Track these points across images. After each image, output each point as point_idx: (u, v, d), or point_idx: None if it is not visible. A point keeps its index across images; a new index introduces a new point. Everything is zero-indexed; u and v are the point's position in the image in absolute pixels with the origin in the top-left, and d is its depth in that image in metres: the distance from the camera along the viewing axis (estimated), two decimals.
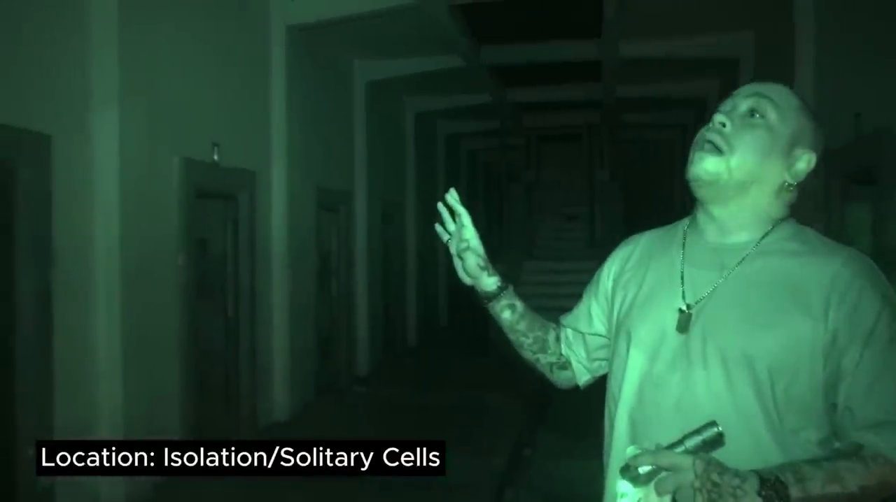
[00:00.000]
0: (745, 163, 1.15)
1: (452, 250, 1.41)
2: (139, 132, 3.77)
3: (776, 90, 1.20)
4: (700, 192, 1.19)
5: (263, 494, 3.96)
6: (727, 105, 1.21)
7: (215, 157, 4.59)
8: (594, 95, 8.83)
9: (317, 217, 6.16)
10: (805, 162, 1.19)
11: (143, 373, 3.77)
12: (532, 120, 11.13)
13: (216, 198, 4.78)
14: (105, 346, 3.57)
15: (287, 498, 3.92)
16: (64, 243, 3.33)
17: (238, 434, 4.83)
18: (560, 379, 1.45)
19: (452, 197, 1.40)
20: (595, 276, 1.42)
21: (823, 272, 1.11)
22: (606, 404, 1.30)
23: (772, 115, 1.17)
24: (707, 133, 1.18)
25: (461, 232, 1.39)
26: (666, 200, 12.22)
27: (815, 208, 4.33)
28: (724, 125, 1.17)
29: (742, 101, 1.19)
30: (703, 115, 8.85)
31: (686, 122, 10.32)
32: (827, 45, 4.62)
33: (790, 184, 1.18)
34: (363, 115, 7.32)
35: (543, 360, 1.44)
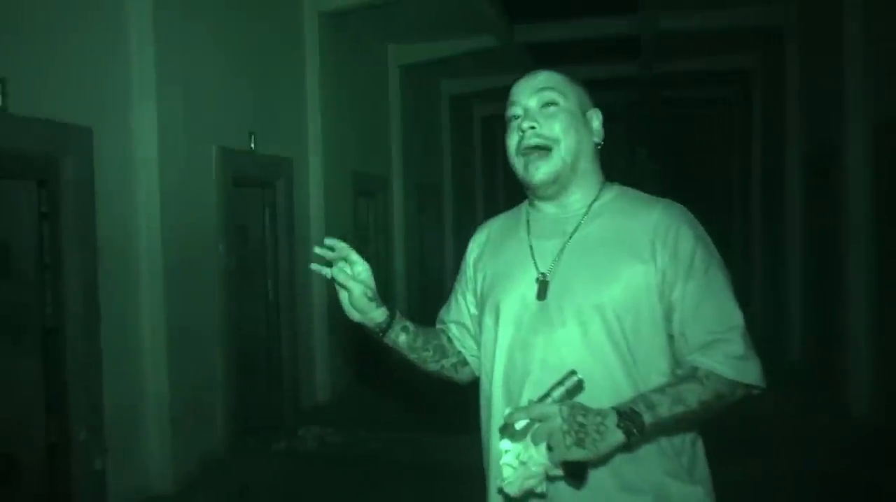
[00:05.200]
0: (569, 146, 1.33)
1: (339, 281, 1.37)
2: (177, 123, 3.82)
3: (547, 77, 1.37)
4: (549, 192, 1.35)
5: (306, 476, 4.04)
6: (516, 111, 1.36)
7: (252, 146, 4.63)
8: (632, 72, 8.64)
9: (354, 202, 6.19)
10: (597, 119, 1.40)
11: (188, 359, 3.85)
12: None
13: (254, 186, 4.84)
14: (150, 334, 3.65)
15: (326, 480, 3.99)
16: (107, 233, 3.41)
17: (281, 417, 4.92)
18: (464, 375, 1.53)
19: (329, 243, 1.39)
20: (461, 267, 1.54)
21: (646, 222, 1.29)
22: (481, 377, 1.43)
23: (559, 99, 1.34)
24: (525, 140, 1.33)
25: (351, 268, 1.38)
26: (709, 176, 11.94)
27: None
28: (533, 127, 1.33)
29: (528, 100, 1.35)
30: (747, 88, 8.60)
31: (729, 97, 10.03)
32: (876, 13, 4.41)
33: (598, 144, 1.39)
34: (398, 98, 7.30)
35: (448, 364, 1.50)
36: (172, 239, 3.75)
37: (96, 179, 3.34)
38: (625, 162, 11.85)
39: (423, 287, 8.08)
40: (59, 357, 3.22)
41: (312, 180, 5.45)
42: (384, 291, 7.03)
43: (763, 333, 7.33)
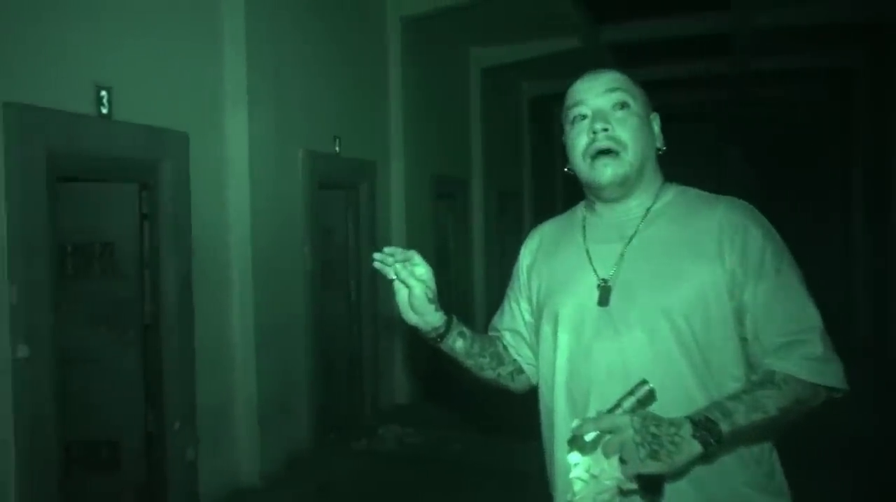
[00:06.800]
0: (637, 152, 1.29)
1: (401, 277, 1.34)
2: (266, 128, 3.96)
3: (615, 77, 1.32)
4: (614, 194, 1.31)
5: (386, 476, 4.09)
6: (582, 110, 1.30)
7: (336, 149, 4.75)
8: (722, 70, 8.30)
9: (433, 205, 6.24)
10: (657, 123, 1.37)
11: (275, 357, 3.98)
12: (654, 98, 10.57)
13: (338, 189, 4.95)
14: (240, 332, 3.79)
15: (406, 480, 4.02)
16: (200, 234, 3.57)
17: (362, 416, 5.01)
18: (520, 384, 1.49)
19: (387, 252, 1.35)
20: (513, 273, 1.52)
21: (710, 221, 1.25)
22: (540, 386, 1.39)
23: (630, 101, 1.30)
24: (597, 143, 1.28)
25: (413, 270, 1.34)
26: (806, 177, 11.32)
27: None
28: (606, 129, 1.27)
29: (596, 99, 1.30)
30: (846, 87, 8.10)
31: (826, 95, 9.48)
32: None
33: (660, 149, 1.35)
34: (479, 101, 7.31)
35: (504, 372, 1.47)
36: (261, 240, 3.88)
37: (191, 182, 3.51)
38: (715, 163, 11.40)
39: (502, 288, 8.02)
40: (157, 351, 3.39)
41: (394, 183, 5.54)
42: (464, 290, 7.00)
43: (867, 339, 6.90)
